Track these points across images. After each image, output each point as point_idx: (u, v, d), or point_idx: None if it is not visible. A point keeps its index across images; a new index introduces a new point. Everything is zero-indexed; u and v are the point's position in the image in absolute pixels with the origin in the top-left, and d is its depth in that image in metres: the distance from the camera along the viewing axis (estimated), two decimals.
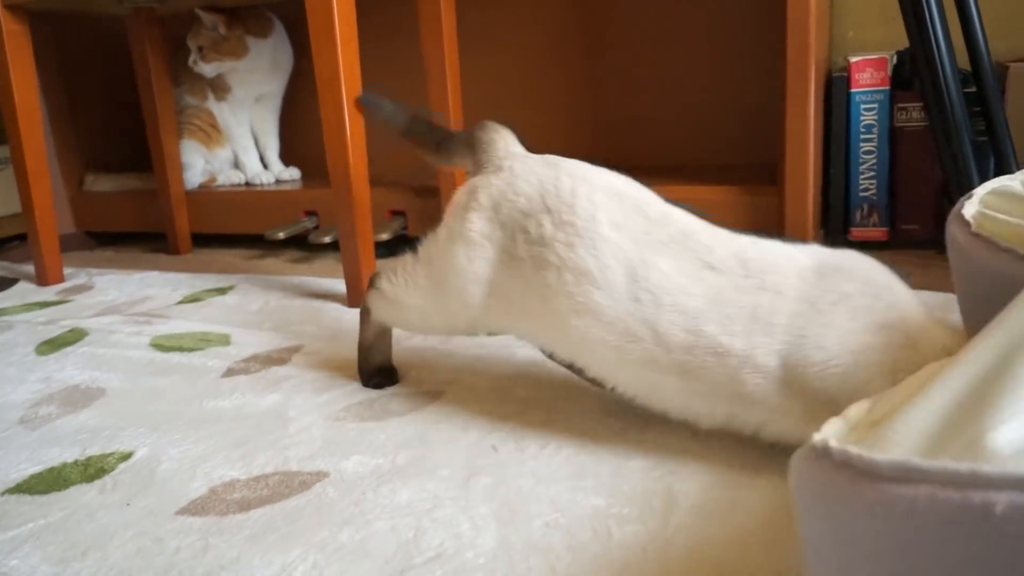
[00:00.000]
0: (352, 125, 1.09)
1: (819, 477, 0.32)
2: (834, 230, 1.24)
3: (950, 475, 0.27)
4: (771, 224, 1.17)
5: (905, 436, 0.32)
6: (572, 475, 0.63)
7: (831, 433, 0.34)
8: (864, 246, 1.08)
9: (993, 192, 0.60)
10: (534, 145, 1.58)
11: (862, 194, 1.22)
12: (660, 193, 1.28)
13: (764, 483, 0.60)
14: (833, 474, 0.31)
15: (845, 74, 1.20)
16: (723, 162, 1.47)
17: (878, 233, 1.22)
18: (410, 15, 1.34)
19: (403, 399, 0.81)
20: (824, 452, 0.32)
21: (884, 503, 0.29)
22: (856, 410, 0.37)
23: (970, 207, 0.58)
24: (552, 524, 0.56)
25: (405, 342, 0.97)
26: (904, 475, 0.28)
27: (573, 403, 0.76)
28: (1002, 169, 1.12)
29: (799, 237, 1.15)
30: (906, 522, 0.28)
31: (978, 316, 0.43)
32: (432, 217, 1.43)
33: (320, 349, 0.97)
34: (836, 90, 1.20)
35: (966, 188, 1.17)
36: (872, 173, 1.21)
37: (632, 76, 1.53)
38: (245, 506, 0.62)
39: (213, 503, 0.63)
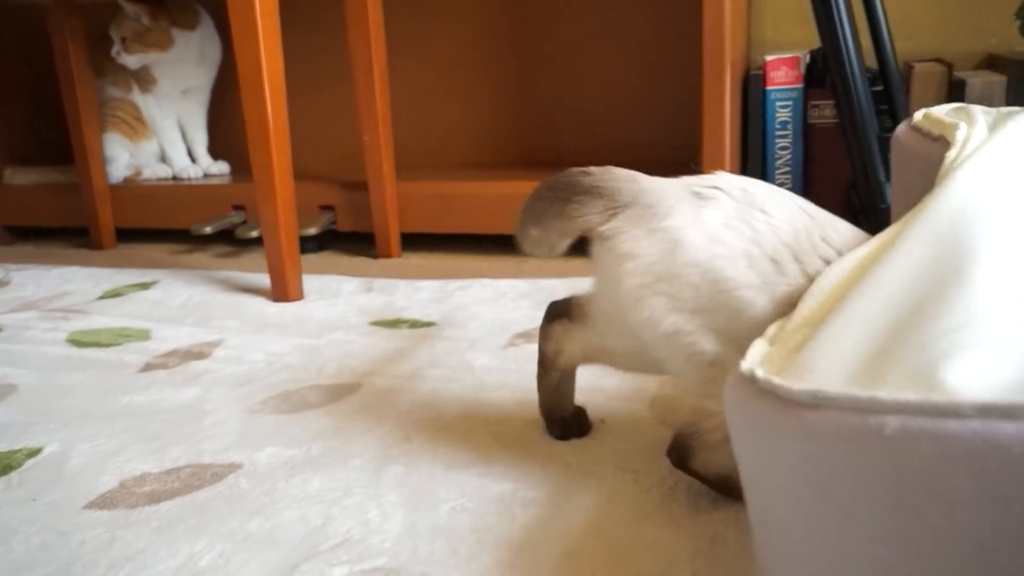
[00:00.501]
0: (275, 118, 1.09)
1: (748, 403, 0.35)
2: None
3: (853, 401, 0.31)
4: None
5: (828, 364, 0.35)
6: (482, 462, 0.64)
7: (757, 361, 0.37)
8: None
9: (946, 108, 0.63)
10: (460, 141, 1.59)
11: None
12: None
13: (665, 465, 0.62)
14: (759, 401, 0.35)
15: (761, 72, 1.24)
16: (647, 157, 1.50)
17: None
18: (336, 7, 1.34)
19: (321, 392, 0.81)
20: (751, 380, 0.35)
21: (801, 427, 0.32)
22: (774, 329, 0.40)
23: (919, 113, 0.62)
24: (458, 509, 0.58)
25: (327, 335, 0.98)
26: (816, 402, 0.32)
27: (489, 393, 0.78)
28: None
29: None
30: (818, 442, 0.32)
31: (909, 206, 0.47)
32: (361, 211, 1.44)
33: (241, 343, 0.97)
34: (752, 88, 1.24)
35: (873, 182, 1.23)
36: (787, 168, 1.25)
37: (558, 73, 1.55)
38: (155, 499, 0.62)
39: (122, 496, 0.63)
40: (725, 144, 1.15)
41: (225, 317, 1.08)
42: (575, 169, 0.58)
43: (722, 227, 0.52)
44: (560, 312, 0.65)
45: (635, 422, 0.70)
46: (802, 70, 1.22)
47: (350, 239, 1.48)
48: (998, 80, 1.15)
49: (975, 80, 1.16)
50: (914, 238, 0.42)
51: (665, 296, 0.52)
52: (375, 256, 1.39)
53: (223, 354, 0.94)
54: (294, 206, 1.13)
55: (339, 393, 0.80)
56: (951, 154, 0.51)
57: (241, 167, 1.76)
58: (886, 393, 0.30)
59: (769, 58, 1.22)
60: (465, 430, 0.70)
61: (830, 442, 0.31)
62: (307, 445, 0.69)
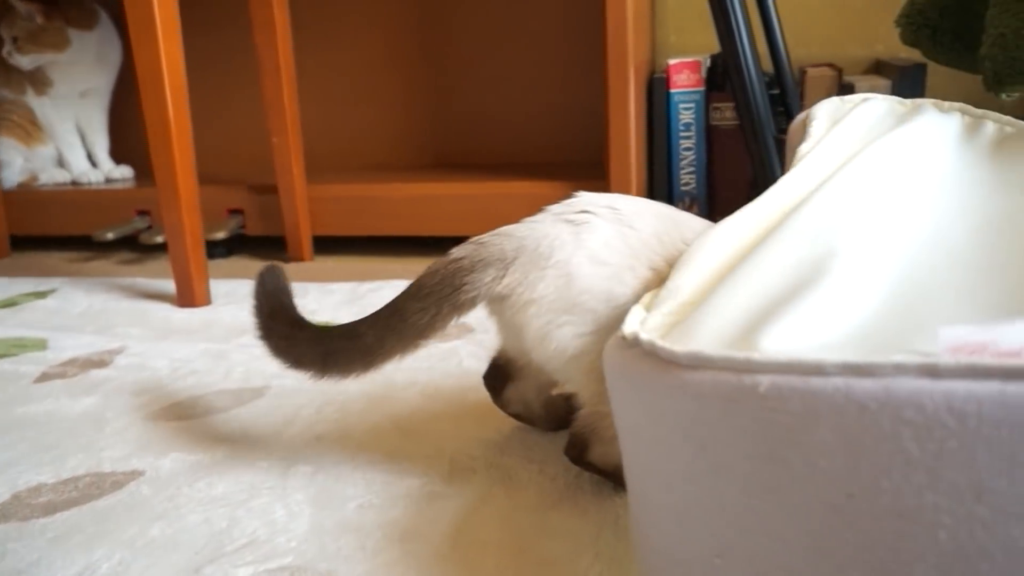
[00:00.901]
0: (176, 119, 1.06)
1: (630, 365, 0.37)
2: None
3: (729, 362, 0.33)
4: None
5: (705, 332, 0.37)
6: (389, 459, 0.65)
7: (639, 325, 0.39)
8: None
9: None
10: (373, 144, 1.58)
11: (683, 188, 1.30)
12: (494, 190, 1.31)
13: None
14: (642, 363, 0.36)
15: (665, 75, 1.28)
16: (557, 159, 1.52)
17: None
18: (241, 6, 1.31)
19: (227, 396, 0.80)
20: (634, 343, 0.37)
21: (681, 386, 0.34)
22: (648, 298, 0.42)
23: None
24: (365, 505, 0.58)
25: (235, 340, 0.96)
26: (696, 363, 0.34)
27: (397, 391, 0.78)
28: None
29: None
30: (697, 401, 0.34)
31: None
32: (271, 215, 1.42)
33: (145, 350, 0.94)
34: (656, 91, 1.28)
35: (770, 181, 1.28)
36: (692, 169, 1.29)
37: (469, 75, 1.56)
38: (51, 510, 0.60)
39: (15, 509, 0.60)
40: (631, 145, 1.18)
41: (128, 324, 1.05)
42: (443, 259, 0.58)
43: (603, 247, 0.54)
44: (501, 380, 0.66)
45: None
46: (703, 74, 1.26)
47: (260, 243, 1.45)
48: (883, 83, 1.22)
49: (862, 84, 1.22)
50: (773, 228, 0.46)
51: (569, 326, 0.54)
52: (287, 260, 1.37)
53: (125, 362, 0.91)
54: (199, 208, 1.11)
55: (246, 397, 0.79)
56: (803, 148, 0.54)
57: (146, 171, 1.71)
58: (759, 355, 0.32)
59: (672, 61, 1.26)
60: (373, 428, 0.70)
61: (708, 400, 0.33)
62: (212, 449, 0.68)
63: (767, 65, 1.22)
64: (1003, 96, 0.84)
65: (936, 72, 1.33)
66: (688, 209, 1.32)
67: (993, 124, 0.60)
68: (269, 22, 1.28)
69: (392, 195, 1.35)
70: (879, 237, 0.44)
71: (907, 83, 1.19)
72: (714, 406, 0.33)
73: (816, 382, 0.31)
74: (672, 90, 1.26)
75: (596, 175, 1.32)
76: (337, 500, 0.59)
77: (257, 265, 1.34)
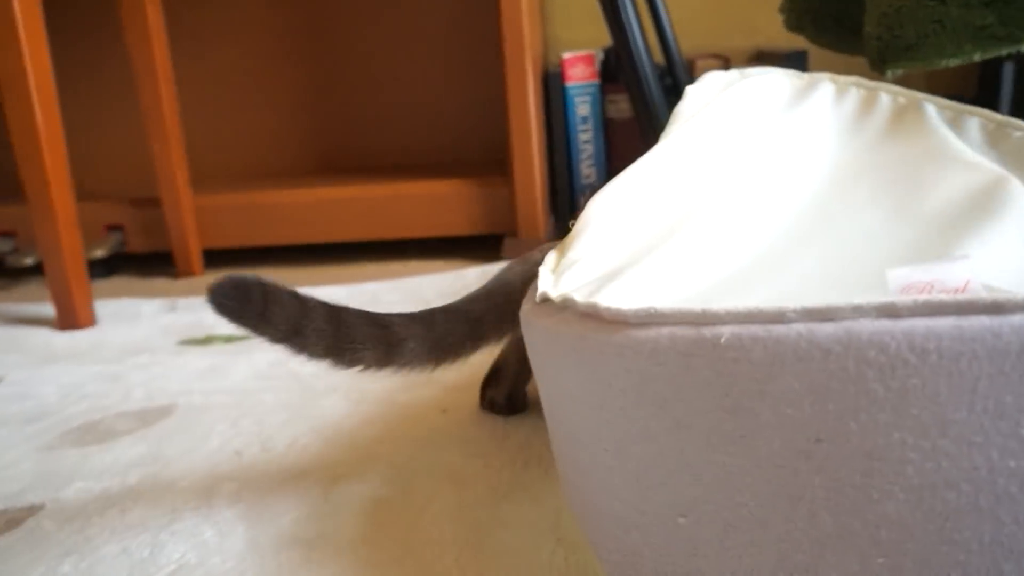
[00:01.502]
0: (46, 129, 0.98)
1: (566, 328, 0.35)
2: (563, 215, 1.32)
3: (686, 315, 0.32)
4: (505, 213, 1.22)
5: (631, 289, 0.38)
6: (324, 467, 0.61)
7: (560, 286, 0.38)
8: None
9: None
10: (261, 150, 1.52)
11: (584, 180, 1.31)
12: (394, 191, 1.28)
13: (514, 446, 0.62)
14: (578, 325, 0.35)
15: (559, 70, 1.28)
16: (455, 158, 1.50)
17: None
18: (111, 9, 1.23)
19: (131, 418, 0.73)
20: (566, 304, 0.35)
21: (632, 345, 0.33)
22: (553, 262, 0.42)
23: None
24: (304, 517, 0.54)
25: (130, 359, 0.89)
26: (648, 319, 0.33)
27: (320, 399, 0.74)
28: None
29: (530, 222, 1.21)
30: (652, 358, 0.32)
31: None
32: (155, 229, 1.33)
33: (27, 377, 0.86)
34: (552, 85, 1.28)
35: None
36: (591, 160, 1.30)
37: (359, 75, 1.52)
38: None
39: None
40: (532, 140, 1.18)
41: (4, 352, 0.96)
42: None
43: None
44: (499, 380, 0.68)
45: (476, 410, 0.69)
46: (598, 67, 1.28)
47: (145, 261, 1.37)
48: None
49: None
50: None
51: None
52: (175, 276, 1.29)
53: (6, 391, 0.83)
54: (77, 223, 1.02)
55: (152, 417, 0.73)
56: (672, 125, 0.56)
57: (8, 189, 1.58)
58: (717, 306, 0.32)
59: (567, 55, 1.27)
60: (298, 438, 0.66)
61: (665, 357, 0.32)
62: (122, 475, 0.62)
63: (658, 57, 1.25)
64: (888, 74, 0.88)
65: (817, 58, 1.40)
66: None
67: (886, 95, 0.63)
68: (142, 23, 1.20)
69: (286, 202, 1.29)
70: (730, 206, 0.46)
71: (790, 68, 1.23)
72: (672, 362, 0.32)
73: (778, 329, 0.31)
74: (568, 84, 1.27)
75: (498, 171, 1.31)
76: (270, 514, 0.54)
77: (142, 284, 1.26)
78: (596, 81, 1.27)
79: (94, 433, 0.71)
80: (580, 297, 0.35)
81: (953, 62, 0.82)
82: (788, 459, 0.31)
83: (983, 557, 0.32)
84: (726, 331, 0.31)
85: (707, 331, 0.31)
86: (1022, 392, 0.29)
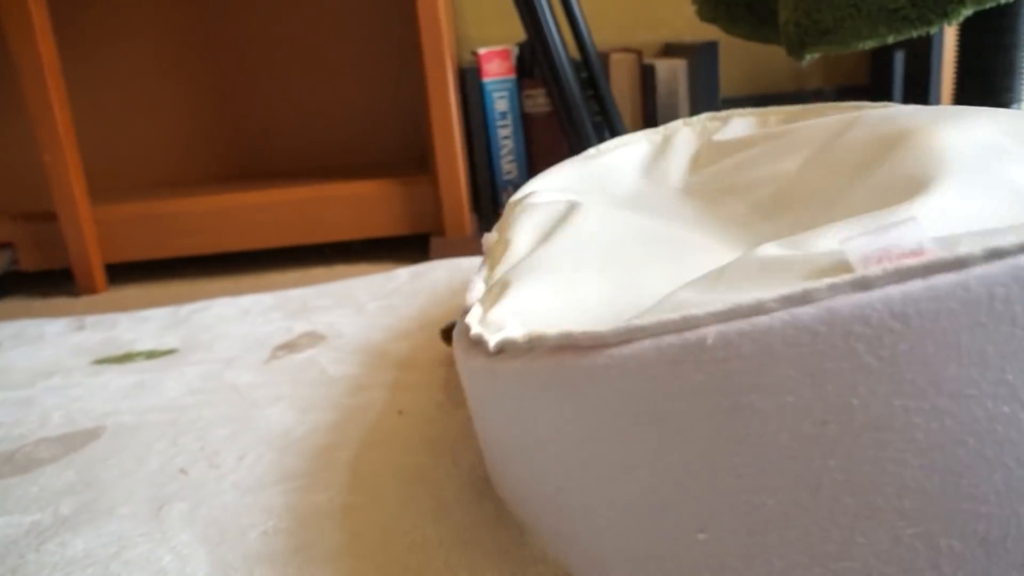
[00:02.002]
0: None
1: (538, 365, 0.34)
2: (486, 212, 1.30)
3: (665, 325, 0.31)
4: (429, 212, 1.20)
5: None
6: (282, 479, 0.57)
7: (505, 325, 0.38)
8: None
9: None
10: (164, 157, 1.44)
11: (506, 177, 1.30)
12: (311, 194, 1.24)
13: (478, 443, 0.60)
14: (554, 357, 0.34)
15: (474, 66, 1.26)
16: (374, 158, 1.47)
17: None
18: None
19: (52, 444, 0.67)
20: (532, 344, 0.34)
21: (616, 363, 0.32)
22: (479, 294, 0.44)
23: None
24: (271, 531, 0.50)
25: (40, 383, 0.82)
26: (627, 336, 0.32)
27: (263, 409, 0.70)
28: None
29: (456, 221, 1.19)
30: (640, 373, 0.31)
31: None
32: (51, 245, 1.24)
33: None
34: (469, 81, 1.26)
35: None
36: (512, 156, 1.29)
37: (266, 77, 1.46)
38: None
39: None
40: (455, 137, 1.16)
41: None
42: None
43: None
44: None
45: (434, 408, 0.66)
46: (513, 62, 1.27)
47: (40, 279, 1.27)
48: (680, 64, 1.28)
49: (662, 65, 1.28)
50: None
51: None
52: (76, 294, 1.20)
53: None
54: None
55: (78, 441, 0.67)
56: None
57: None
58: (696, 309, 0.31)
59: (482, 51, 1.25)
60: (247, 451, 0.62)
61: (653, 370, 0.31)
62: (52, 505, 0.57)
63: (573, 52, 1.25)
64: (806, 59, 0.90)
65: (727, 49, 1.44)
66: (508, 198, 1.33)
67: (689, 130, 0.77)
68: (26, 24, 1.12)
69: (195, 210, 1.22)
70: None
71: (703, 60, 1.26)
72: (660, 374, 0.31)
73: (762, 320, 0.30)
74: (485, 79, 1.26)
75: (419, 170, 1.28)
76: (233, 532, 0.51)
77: (41, 305, 1.17)
78: (513, 76, 1.27)
79: (12, 464, 0.64)
80: (551, 331, 0.34)
81: (868, 44, 0.85)
82: (798, 448, 0.31)
83: (1002, 507, 0.32)
84: (711, 331, 0.30)
85: (691, 335, 0.31)
86: (999, 340, 0.30)
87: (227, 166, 1.48)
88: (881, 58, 1.44)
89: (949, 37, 1.33)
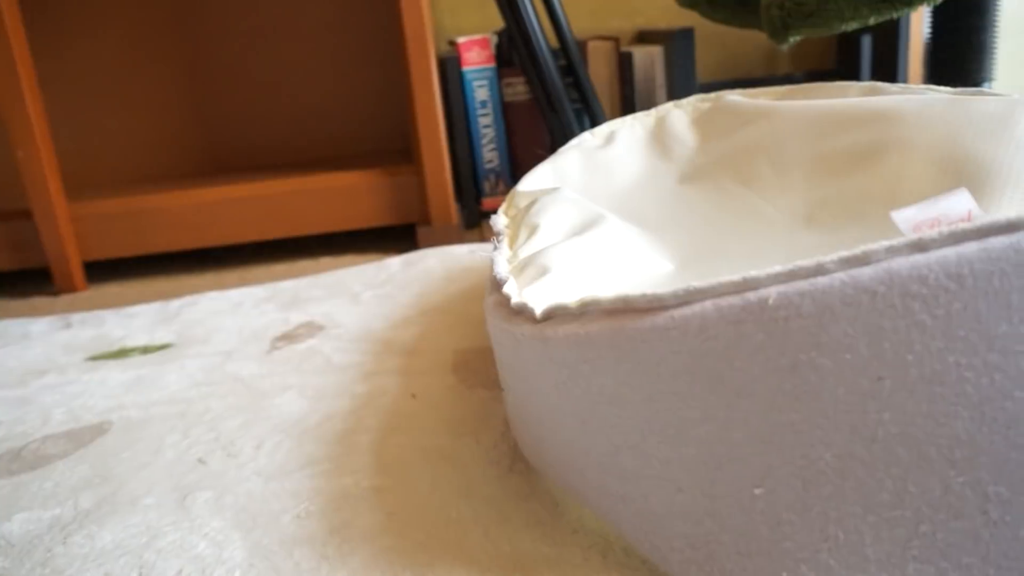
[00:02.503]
0: None
1: (594, 328, 0.35)
2: (468, 201, 1.30)
3: (727, 286, 0.32)
4: (413, 202, 1.20)
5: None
6: (306, 464, 0.57)
7: (536, 296, 0.41)
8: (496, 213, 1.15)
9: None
10: (142, 152, 1.41)
11: (487, 166, 1.30)
12: (292, 187, 1.23)
13: (502, 421, 0.60)
14: (610, 320, 0.34)
15: (454, 55, 1.26)
16: (356, 149, 1.46)
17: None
18: None
19: (60, 440, 0.66)
20: (587, 307, 0.36)
21: (677, 325, 0.33)
22: (506, 270, 0.46)
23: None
24: (304, 514, 0.50)
25: (34, 382, 0.80)
26: (687, 298, 0.33)
27: (273, 398, 0.69)
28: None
29: (442, 210, 1.19)
30: (701, 334, 0.33)
31: None
32: (26, 244, 1.21)
33: None
34: (450, 70, 1.26)
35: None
36: (493, 145, 1.29)
37: (244, 69, 1.45)
38: None
39: None
40: (439, 126, 1.16)
41: None
42: None
43: None
44: None
45: (447, 390, 0.67)
46: (492, 50, 1.27)
47: (16, 279, 1.24)
48: (656, 51, 1.30)
49: (638, 52, 1.30)
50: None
51: None
52: (55, 293, 1.17)
53: None
54: None
55: (85, 437, 0.66)
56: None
57: None
58: (757, 271, 0.32)
59: (462, 40, 1.26)
60: (264, 439, 0.62)
61: (715, 330, 0.32)
62: (71, 499, 0.56)
63: (552, 40, 1.26)
64: (788, 42, 0.92)
65: (700, 35, 1.46)
66: (495, 187, 1.33)
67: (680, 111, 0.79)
68: None
69: (175, 205, 1.21)
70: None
71: (679, 46, 1.28)
72: (723, 333, 0.32)
73: (822, 281, 0.32)
74: (465, 68, 1.26)
75: (402, 160, 1.28)
76: (265, 517, 0.51)
77: (19, 305, 1.15)
78: (493, 65, 1.27)
79: (20, 461, 0.63)
80: (607, 297, 0.35)
81: (851, 26, 0.87)
82: (855, 403, 0.32)
83: None
84: (772, 291, 0.32)
85: (752, 295, 0.32)
86: None
87: (208, 160, 1.46)
88: (848, 43, 1.47)
89: (915, 20, 1.36)
